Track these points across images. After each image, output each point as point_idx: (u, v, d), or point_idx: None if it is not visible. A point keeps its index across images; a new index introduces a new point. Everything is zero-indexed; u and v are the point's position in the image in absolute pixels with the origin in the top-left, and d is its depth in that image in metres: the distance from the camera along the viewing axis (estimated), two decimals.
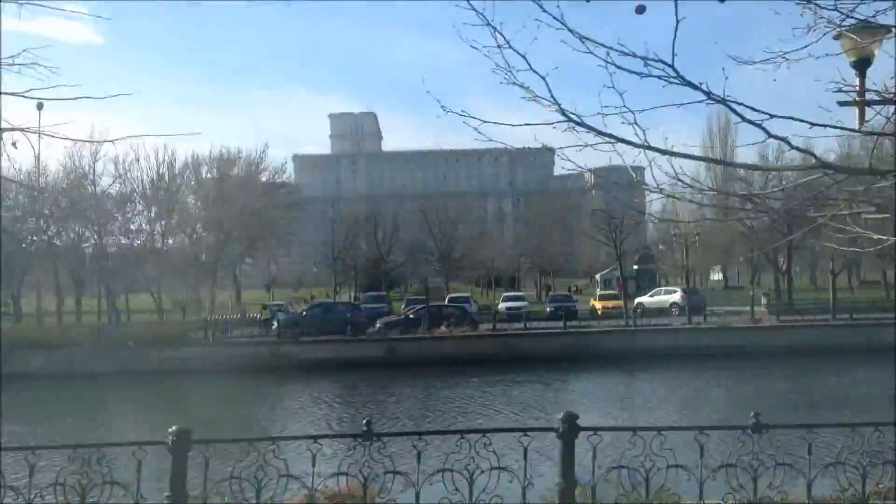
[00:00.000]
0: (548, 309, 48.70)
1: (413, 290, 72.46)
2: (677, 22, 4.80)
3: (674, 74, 4.92)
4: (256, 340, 41.49)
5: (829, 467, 5.57)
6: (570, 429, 5.33)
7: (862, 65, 5.75)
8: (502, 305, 51.10)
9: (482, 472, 5.41)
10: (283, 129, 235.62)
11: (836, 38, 5.48)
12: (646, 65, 4.91)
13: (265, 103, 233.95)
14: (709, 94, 4.89)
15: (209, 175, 60.61)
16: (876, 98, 5.58)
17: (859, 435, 5.52)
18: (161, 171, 56.50)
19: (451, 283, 68.75)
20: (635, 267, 61.72)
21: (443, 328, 41.72)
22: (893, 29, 5.29)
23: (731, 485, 5.43)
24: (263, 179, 65.47)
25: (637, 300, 52.10)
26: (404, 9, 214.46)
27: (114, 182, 54.49)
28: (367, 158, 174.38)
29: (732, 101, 4.94)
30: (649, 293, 54.85)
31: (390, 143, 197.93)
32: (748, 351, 36.64)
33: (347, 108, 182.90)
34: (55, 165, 54.40)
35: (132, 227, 55.87)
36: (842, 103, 5.66)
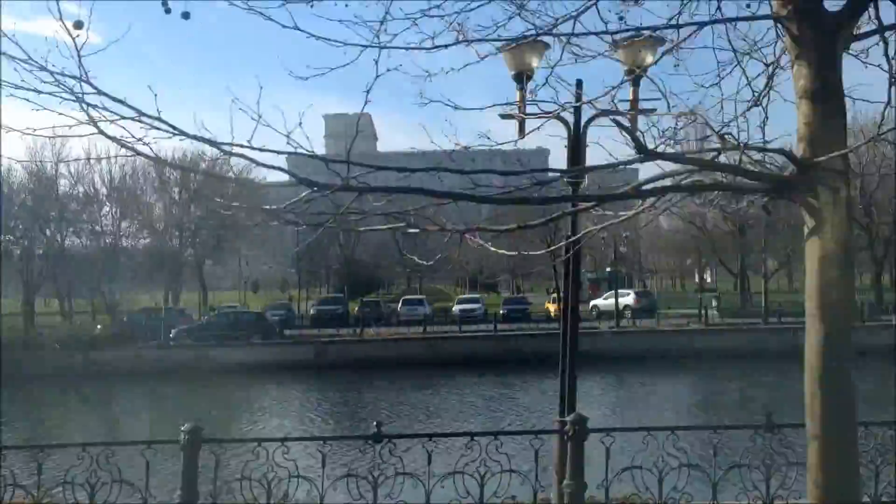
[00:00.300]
0: (501, 311, 48.93)
1: (398, 293, 72.39)
2: None
3: None
4: (186, 344, 40.07)
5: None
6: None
7: (520, 78, 5.81)
8: (456, 307, 51.25)
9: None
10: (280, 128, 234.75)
11: (497, 52, 5.41)
12: None
13: (261, 102, 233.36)
14: None
15: (171, 176, 60.43)
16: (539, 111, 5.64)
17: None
18: (123, 171, 56.45)
19: (436, 285, 68.66)
20: (608, 269, 61.74)
21: (371, 330, 42.52)
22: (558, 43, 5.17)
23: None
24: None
25: (592, 303, 52.54)
26: (403, 8, 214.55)
27: (76, 183, 54.78)
28: (361, 158, 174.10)
29: None
30: (603, 296, 55.19)
31: (389, 143, 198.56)
32: (671, 354, 36.35)
33: (345, 108, 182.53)
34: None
35: (97, 227, 56.07)
36: (503, 116, 5.82)
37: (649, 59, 5.74)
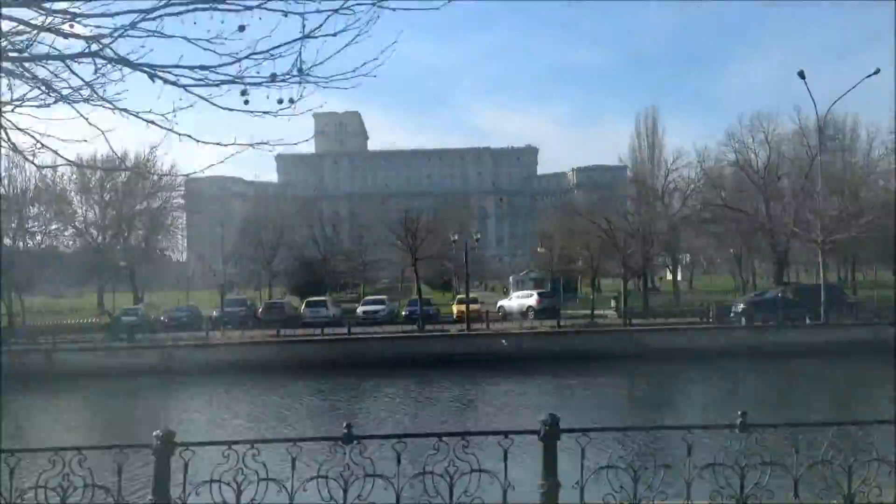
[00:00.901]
0: (404, 313, 48.84)
1: (370, 291, 72.24)
2: None
3: None
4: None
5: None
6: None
7: None
8: (360, 309, 51.20)
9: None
10: (273, 127, 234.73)
11: None
12: None
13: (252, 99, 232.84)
14: None
15: (94, 177, 60.44)
16: None
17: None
18: (43, 172, 56.04)
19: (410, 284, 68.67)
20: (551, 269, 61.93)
21: (217, 334, 42.30)
22: None
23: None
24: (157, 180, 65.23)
25: (499, 303, 52.84)
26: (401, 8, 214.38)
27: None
28: (350, 158, 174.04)
29: None
30: (509, 297, 55.71)
31: (380, 142, 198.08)
32: (514, 357, 36.48)
33: (344, 107, 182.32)
34: None
35: (28, 228, 56.48)
36: None
37: None
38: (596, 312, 47.24)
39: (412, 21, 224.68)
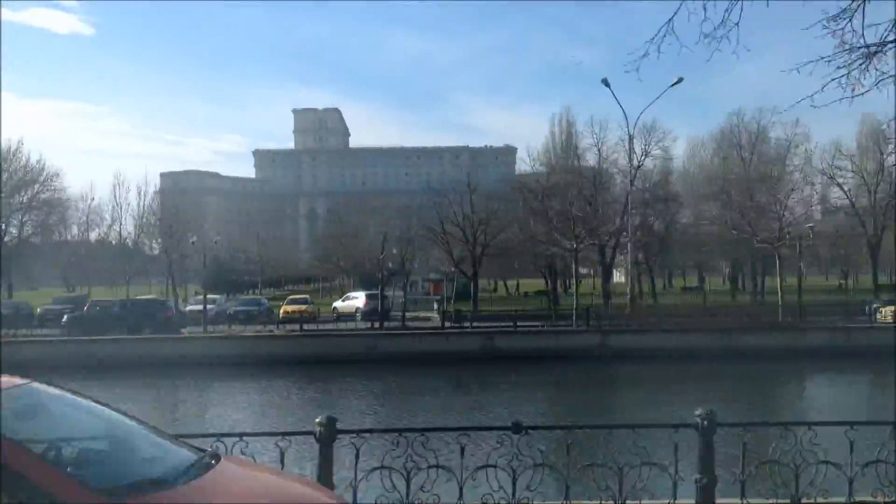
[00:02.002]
0: (229, 312, 46.93)
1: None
2: None
3: None
4: None
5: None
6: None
7: None
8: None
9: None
10: (251, 119, 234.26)
11: None
12: None
13: (240, 97, 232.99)
14: None
15: None
16: None
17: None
18: None
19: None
20: (452, 269, 61.79)
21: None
22: None
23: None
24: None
25: (334, 305, 52.48)
26: (396, 8, 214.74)
27: None
28: (329, 154, 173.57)
29: None
30: (341, 298, 55.23)
31: (373, 139, 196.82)
32: (243, 360, 33.63)
33: (325, 103, 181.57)
34: None
35: None
36: None
37: None
38: (426, 315, 46.47)
39: (412, 21, 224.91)
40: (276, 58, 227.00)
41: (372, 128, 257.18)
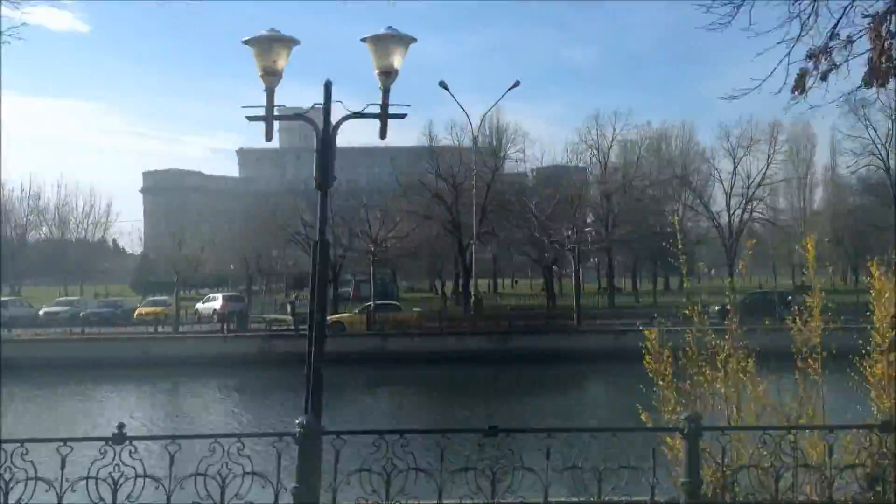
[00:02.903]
0: (82, 314, 45.79)
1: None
2: None
3: None
4: None
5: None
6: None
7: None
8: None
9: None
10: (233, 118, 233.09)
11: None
12: None
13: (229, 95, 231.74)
14: None
15: None
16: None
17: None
18: None
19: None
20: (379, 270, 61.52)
21: None
22: None
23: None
24: None
25: (196, 306, 51.98)
26: (395, 7, 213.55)
27: None
28: (313, 153, 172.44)
29: None
30: (203, 299, 54.73)
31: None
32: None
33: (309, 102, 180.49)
34: None
35: None
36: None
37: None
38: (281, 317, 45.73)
39: (406, 21, 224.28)
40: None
41: (369, 128, 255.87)
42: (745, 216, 62.86)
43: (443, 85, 41.84)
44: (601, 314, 46.66)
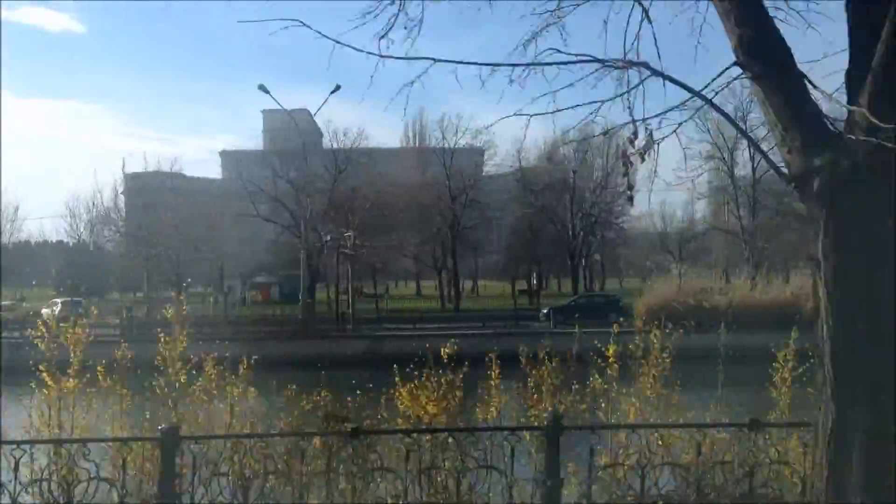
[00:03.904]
0: None
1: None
2: None
3: None
4: None
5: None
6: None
7: None
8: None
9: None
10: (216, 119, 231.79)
11: None
12: None
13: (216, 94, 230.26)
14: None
15: None
16: None
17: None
18: None
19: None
20: (280, 272, 61.30)
21: None
22: None
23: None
24: None
25: (43, 310, 51.30)
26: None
27: None
28: (295, 155, 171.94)
29: None
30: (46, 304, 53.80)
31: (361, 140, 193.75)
32: None
33: (295, 104, 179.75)
34: None
35: None
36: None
37: None
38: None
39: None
40: (269, 58, 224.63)
41: (372, 128, 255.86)
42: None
43: (262, 88, 41.04)
44: (402, 318, 46.83)
